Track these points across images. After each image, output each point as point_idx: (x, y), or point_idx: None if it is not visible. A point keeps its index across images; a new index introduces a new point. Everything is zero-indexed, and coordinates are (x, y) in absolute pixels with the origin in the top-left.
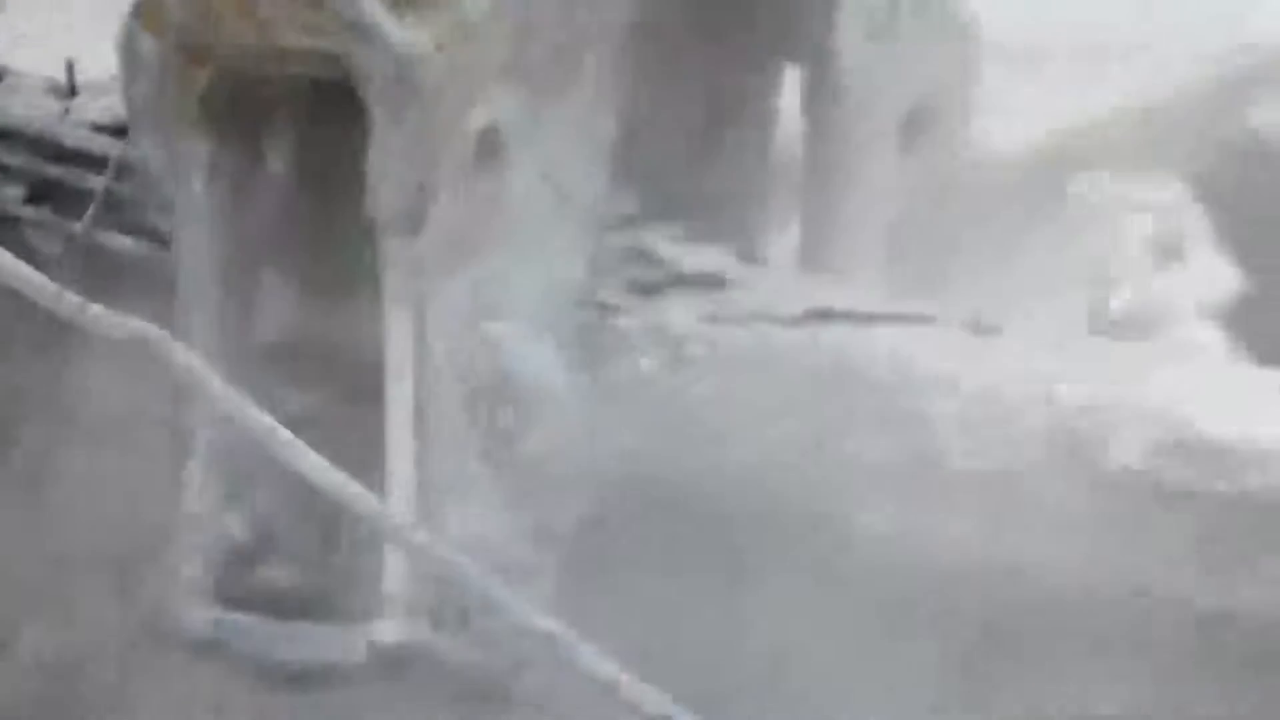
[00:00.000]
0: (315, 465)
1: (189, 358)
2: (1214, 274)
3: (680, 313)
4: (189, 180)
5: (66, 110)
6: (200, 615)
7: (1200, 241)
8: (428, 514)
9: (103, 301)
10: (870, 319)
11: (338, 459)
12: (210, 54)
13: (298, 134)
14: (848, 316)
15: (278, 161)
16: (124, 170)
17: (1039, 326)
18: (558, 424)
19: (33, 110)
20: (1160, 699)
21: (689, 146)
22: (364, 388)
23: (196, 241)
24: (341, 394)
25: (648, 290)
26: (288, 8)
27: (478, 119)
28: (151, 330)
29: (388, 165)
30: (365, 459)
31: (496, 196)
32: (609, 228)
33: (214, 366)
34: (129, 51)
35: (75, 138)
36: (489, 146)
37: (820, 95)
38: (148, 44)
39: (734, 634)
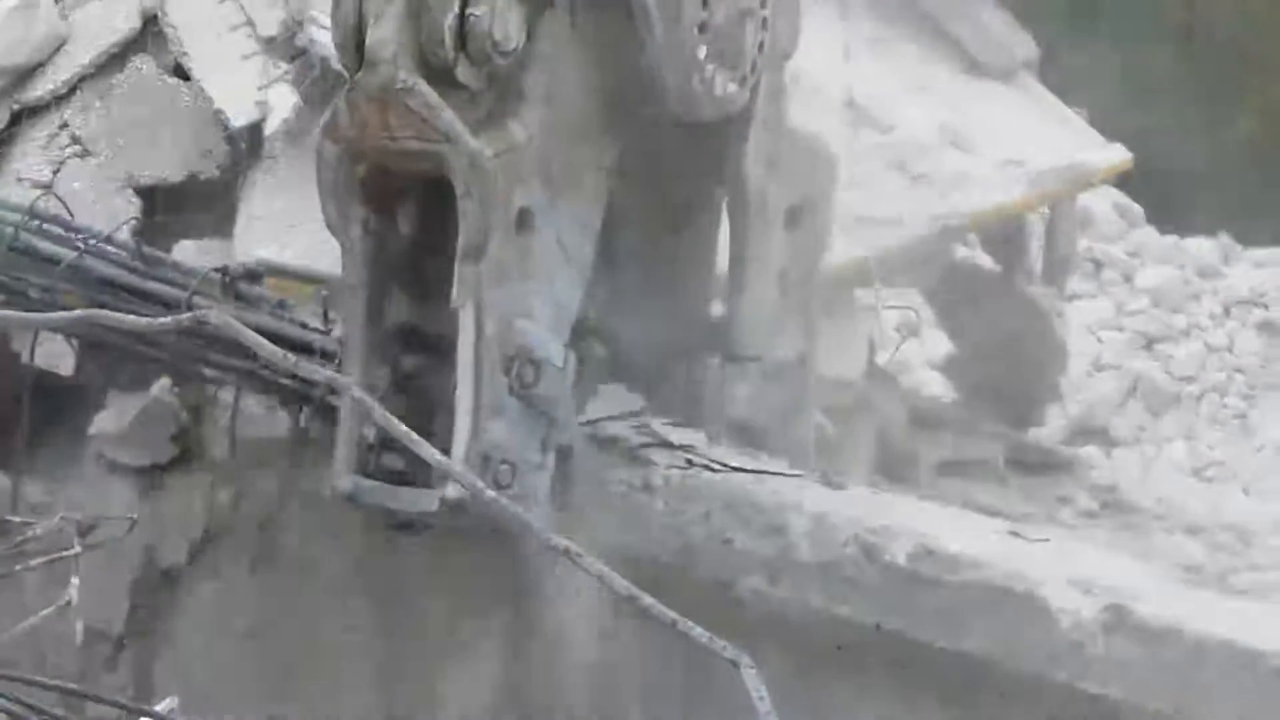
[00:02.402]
0: (383, 417)
1: (361, 393)
2: (935, 344)
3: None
4: (350, 231)
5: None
6: (347, 481)
7: (927, 324)
8: (478, 423)
9: None
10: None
11: (430, 396)
12: (365, 155)
13: (416, 205)
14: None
15: (404, 221)
16: None
17: None
18: (555, 380)
19: None
20: None
21: (649, 241)
22: (445, 353)
23: (353, 268)
24: (434, 357)
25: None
26: (410, 127)
27: (518, 201)
28: (336, 377)
29: (465, 221)
30: (445, 395)
31: (526, 249)
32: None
33: (360, 339)
34: (319, 152)
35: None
36: (524, 218)
37: (737, 204)
38: (329, 148)
39: None
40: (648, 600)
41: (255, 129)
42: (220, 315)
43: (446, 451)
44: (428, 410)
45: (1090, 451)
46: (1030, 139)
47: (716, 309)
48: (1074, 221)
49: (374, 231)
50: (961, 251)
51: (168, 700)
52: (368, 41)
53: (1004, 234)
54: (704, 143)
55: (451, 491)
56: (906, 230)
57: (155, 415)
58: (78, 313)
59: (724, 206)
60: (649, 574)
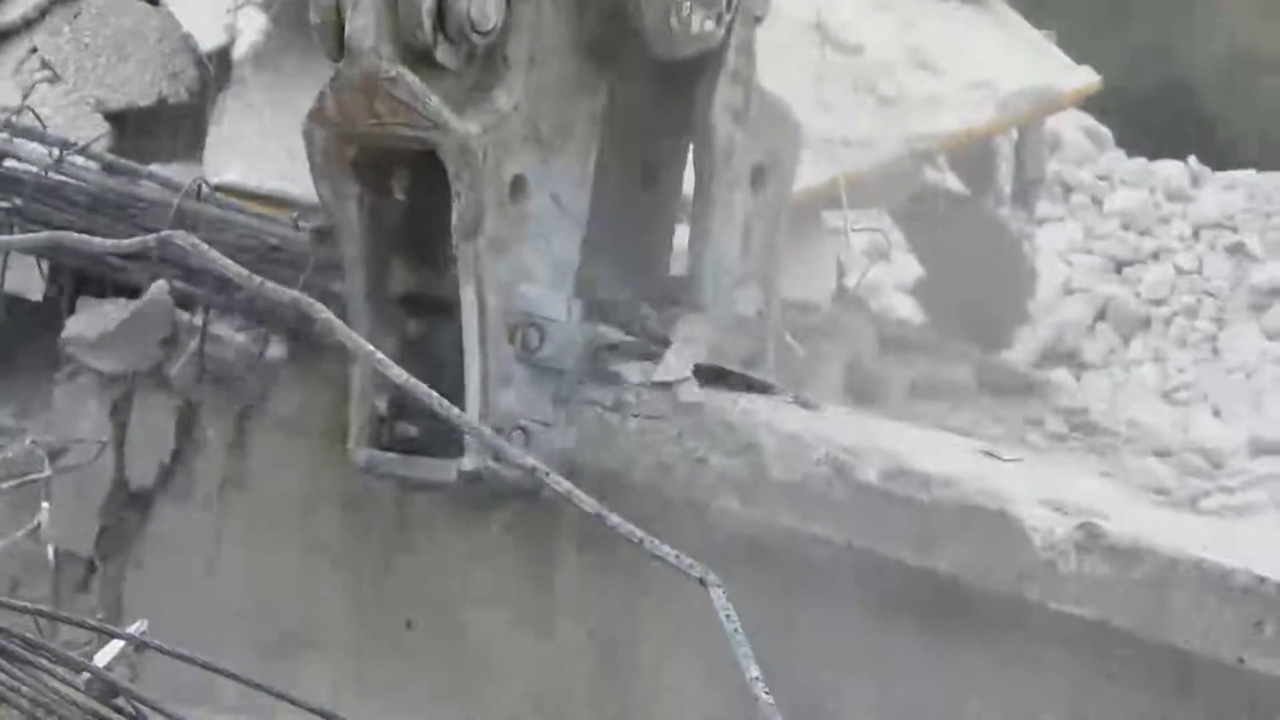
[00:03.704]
0: (400, 374)
1: (327, 314)
2: (905, 267)
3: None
4: (347, 208)
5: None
6: (364, 453)
7: (897, 248)
8: (489, 393)
9: None
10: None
11: (437, 358)
12: (353, 138)
13: (409, 178)
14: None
15: (399, 188)
16: None
17: None
18: (561, 335)
19: None
20: None
21: (625, 193)
22: (450, 321)
23: (351, 242)
24: (438, 320)
25: None
26: (396, 114)
27: (509, 170)
28: (302, 297)
29: (459, 201)
30: (452, 355)
31: (523, 215)
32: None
33: (364, 310)
34: (309, 136)
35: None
36: (517, 185)
37: (703, 155)
38: (318, 133)
39: None
40: (615, 519)
41: (224, 53)
42: (187, 236)
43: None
44: (436, 372)
45: (1060, 374)
46: (998, 62)
47: (678, 263)
48: (1043, 145)
49: (369, 205)
50: (931, 174)
51: (138, 623)
52: (348, 30)
53: (973, 157)
54: (675, 97)
55: (468, 463)
56: (875, 152)
57: (149, 316)
58: (43, 234)
59: (684, 166)
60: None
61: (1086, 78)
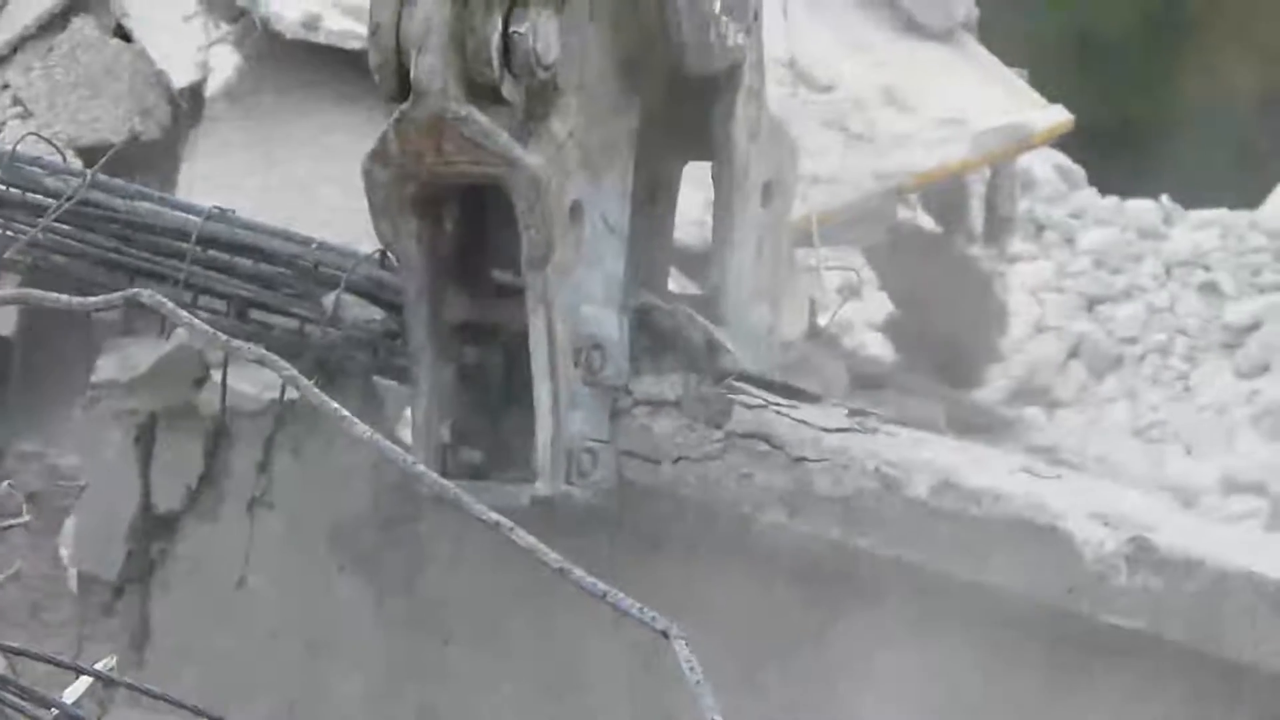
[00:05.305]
0: (362, 430)
1: (291, 371)
2: (877, 305)
3: None
4: (407, 244)
5: None
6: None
7: (868, 285)
8: (559, 419)
9: None
10: None
11: (492, 384)
12: (416, 175)
13: (461, 210)
14: None
15: (449, 219)
16: None
17: None
18: (619, 355)
19: None
20: None
21: (634, 211)
22: (514, 349)
23: (411, 273)
24: (492, 347)
25: None
26: (464, 153)
27: (569, 197)
28: (267, 355)
29: (529, 235)
30: (505, 381)
31: (579, 238)
32: None
33: (427, 342)
34: (369, 175)
35: None
36: (575, 210)
37: (725, 171)
38: (380, 173)
39: None
40: (578, 573)
41: (196, 90)
42: (152, 295)
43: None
44: (493, 399)
45: (1032, 412)
46: (971, 99)
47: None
48: (1015, 182)
49: (426, 237)
50: (903, 212)
51: (106, 659)
52: (415, 72)
53: (945, 195)
54: (684, 116)
55: (542, 488)
56: (847, 189)
57: (180, 357)
58: (8, 292)
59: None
60: None
61: (1059, 116)
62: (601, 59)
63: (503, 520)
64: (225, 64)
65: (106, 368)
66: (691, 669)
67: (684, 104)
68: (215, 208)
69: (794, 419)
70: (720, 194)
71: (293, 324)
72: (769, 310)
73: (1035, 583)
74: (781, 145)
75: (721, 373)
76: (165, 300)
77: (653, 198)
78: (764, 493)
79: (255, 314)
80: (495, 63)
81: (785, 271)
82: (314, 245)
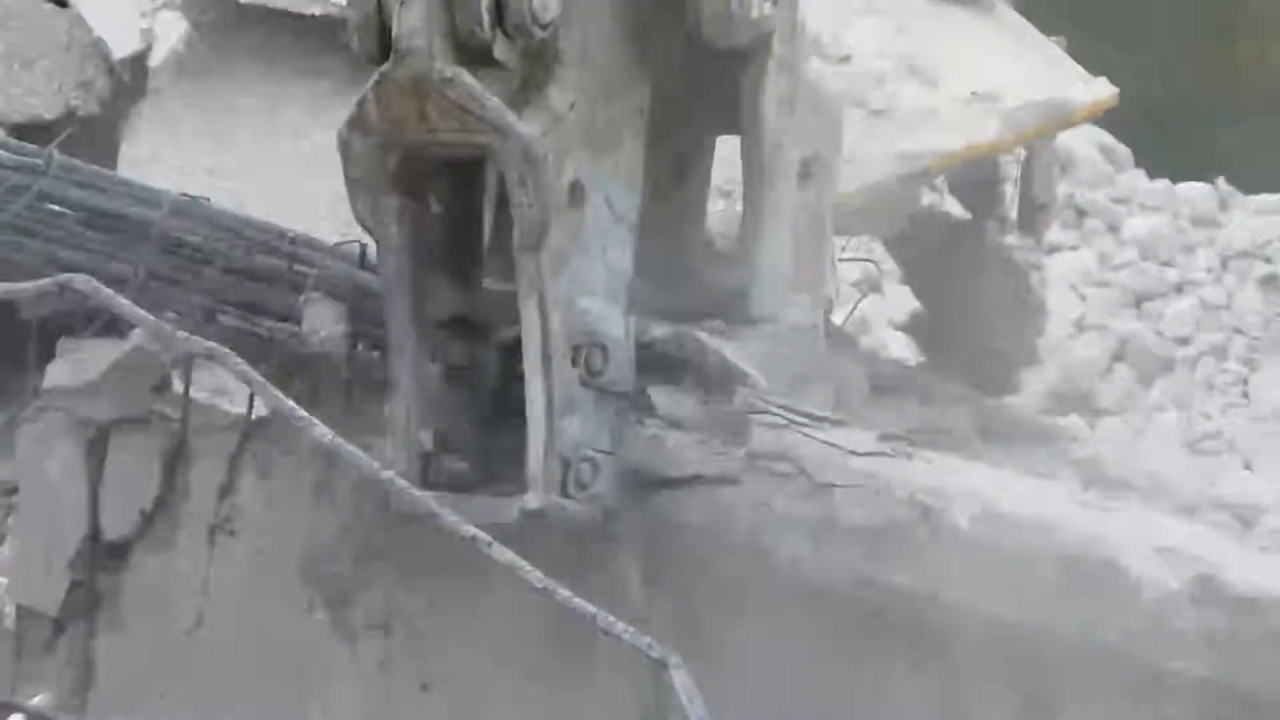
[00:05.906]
0: (323, 433)
1: (244, 366)
2: (899, 301)
3: None
4: (386, 222)
5: None
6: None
7: (890, 279)
8: (552, 421)
9: None
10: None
11: (482, 385)
12: (398, 146)
13: (448, 189)
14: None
15: (435, 199)
16: None
17: None
18: (622, 355)
19: None
20: None
21: (657, 194)
22: (504, 345)
23: (391, 259)
24: (482, 345)
25: None
26: (451, 118)
27: (567, 175)
28: (217, 348)
29: (521, 211)
30: (496, 381)
31: (579, 221)
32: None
33: (408, 335)
34: (346, 146)
35: None
36: (574, 191)
37: (753, 150)
38: (359, 142)
39: None
40: (564, 593)
41: (139, 60)
42: (88, 280)
43: (518, 464)
44: (482, 404)
45: (1072, 421)
46: (1003, 72)
47: (717, 272)
48: (1053, 164)
49: (409, 219)
50: (928, 197)
51: (39, 696)
52: (397, 29)
53: (975, 178)
54: (711, 90)
55: (532, 500)
56: (865, 172)
57: (138, 362)
58: None
59: (711, 161)
60: None
61: (1103, 90)
62: (609, 24)
63: (480, 534)
64: (171, 32)
65: (58, 373)
66: (691, 700)
67: (708, 71)
68: (184, 195)
69: (818, 444)
70: (750, 176)
71: (261, 329)
72: (810, 305)
73: (1090, 623)
74: (823, 120)
75: (743, 405)
76: (101, 286)
77: (680, 177)
78: (784, 522)
79: (222, 317)
80: (486, 20)
81: (828, 260)
82: (289, 238)
